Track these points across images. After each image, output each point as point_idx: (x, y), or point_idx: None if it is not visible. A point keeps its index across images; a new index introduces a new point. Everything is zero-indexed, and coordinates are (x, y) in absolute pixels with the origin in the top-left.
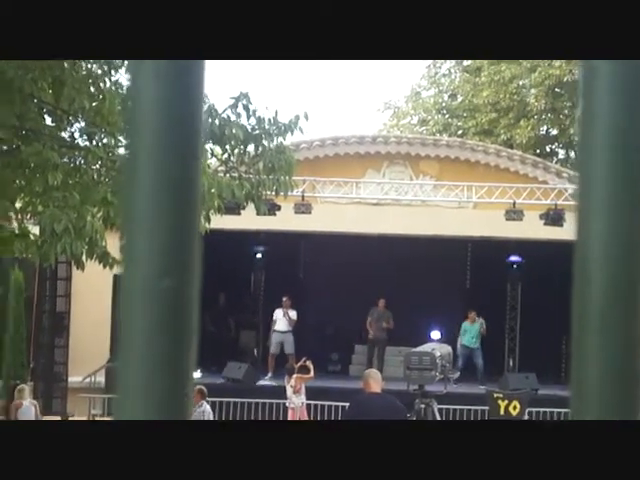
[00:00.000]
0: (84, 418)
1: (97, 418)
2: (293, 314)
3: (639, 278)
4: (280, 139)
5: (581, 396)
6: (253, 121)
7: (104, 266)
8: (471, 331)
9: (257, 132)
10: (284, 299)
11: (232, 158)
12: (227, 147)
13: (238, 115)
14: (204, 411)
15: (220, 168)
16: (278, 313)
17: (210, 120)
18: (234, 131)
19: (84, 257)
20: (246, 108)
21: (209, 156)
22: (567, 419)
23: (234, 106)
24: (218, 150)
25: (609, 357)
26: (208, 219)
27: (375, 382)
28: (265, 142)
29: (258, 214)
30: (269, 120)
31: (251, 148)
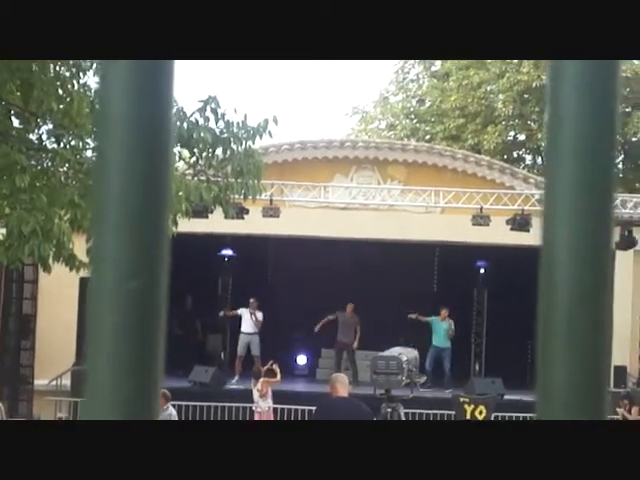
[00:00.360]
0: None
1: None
2: (259, 315)
3: (604, 282)
4: (249, 143)
5: (547, 399)
6: (222, 124)
7: (71, 269)
8: (439, 329)
9: (225, 135)
10: (251, 300)
11: (200, 161)
12: (195, 150)
13: (206, 118)
14: (170, 414)
15: (188, 171)
16: (243, 312)
17: (178, 123)
18: (202, 134)
19: (51, 260)
20: (214, 111)
21: (177, 159)
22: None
23: (202, 109)
24: (186, 153)
25: (575, 360)
26: (175, 223)
27: (342, 386)
28: (234, 146)
29: (226, 217)
30: (238, 124)
31: (219, 151)
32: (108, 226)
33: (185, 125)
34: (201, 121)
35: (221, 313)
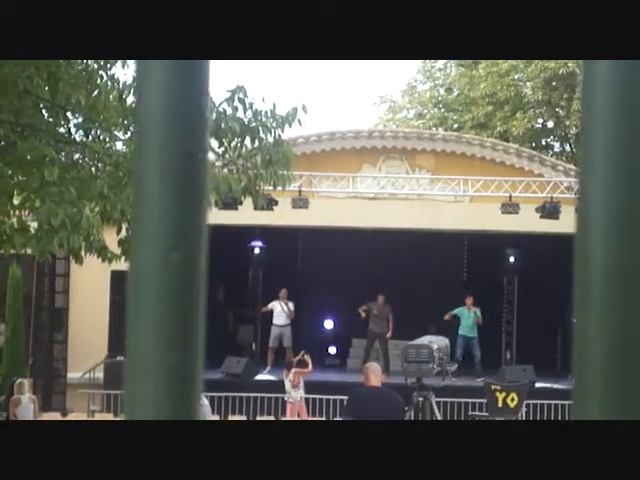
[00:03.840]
0: (83, 414)
1: (96, 414)
2: (291, 305)
3: (638, 263)
4: (278, 132)
5: (584, 382)
6: (250, 114)
7: (102, 260)
8: (467, 318)
9: (254, 125)
10: (282, 291)
11: (229, 151)
12: (224, 140)
13: (235, 108)
14: (202, 404)
15: (217, 162)
16: (275, 305)
17: None
18: (230, 124)
19: (83, 251)
20: (242, 101)
21: None
22: (566, 419)
23: (231, 99)
24: (215, 143)
25: (611, 340)
26: None
27: (375, 376)
28: (262, 135)
29: (256, 209)
30: (266, 113)
31: (248, 141)
32: (147, 204)
33: (213, 115)
34: (229, 111)
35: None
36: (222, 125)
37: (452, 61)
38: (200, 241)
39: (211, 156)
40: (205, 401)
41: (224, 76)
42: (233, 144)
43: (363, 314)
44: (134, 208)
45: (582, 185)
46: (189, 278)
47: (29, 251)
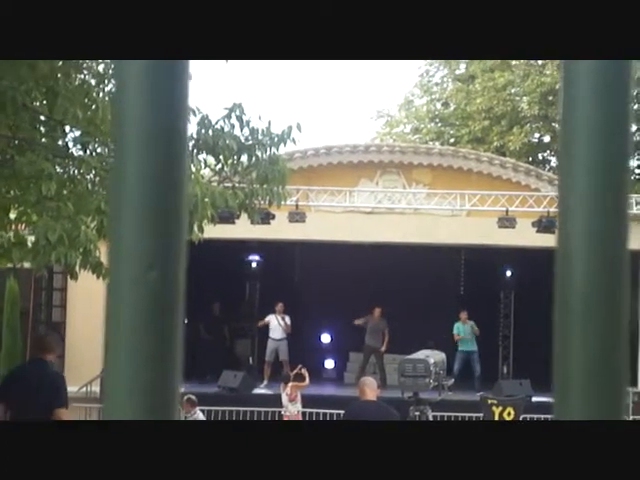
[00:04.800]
0: None
1: None
2: (287, 319)
3: (620, 281)
4: (273, 150)
5: (565, 391)
6: (247, 132)
7: (98, 276)
8: (465, 332)
9: (250, 143)
10: (278, 305)
11: (225, 168)
12: (220, 157)
13: (232, 126)
14: (198, 418)
15: (214, 178)
16: (271, 318)
17: (203, 131)
18: (227, 142)
19: (78, 267)
20: (239, 119)
21: (202, 166)
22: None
23: (228, 117)
24: (212, 160)
25: (591, 352)
26: (201, 229)
27: (370, 390)
28: (258, 152)
29: (252, 224)
30: (262, 131)
31: (244, 159)
32: (125, 217)
33: (210, 132)
34: (226, 128)
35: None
36: (219, 142)
37: (449, 76)
38: (179, 257)
39: (208, 172)
40: (200, 414)
41: (221, 91)
42: (230, 161)
43: (360, 322)
44: (111, 221)
45: (562, 195)
46: (167, 295)
47: (26, 265)
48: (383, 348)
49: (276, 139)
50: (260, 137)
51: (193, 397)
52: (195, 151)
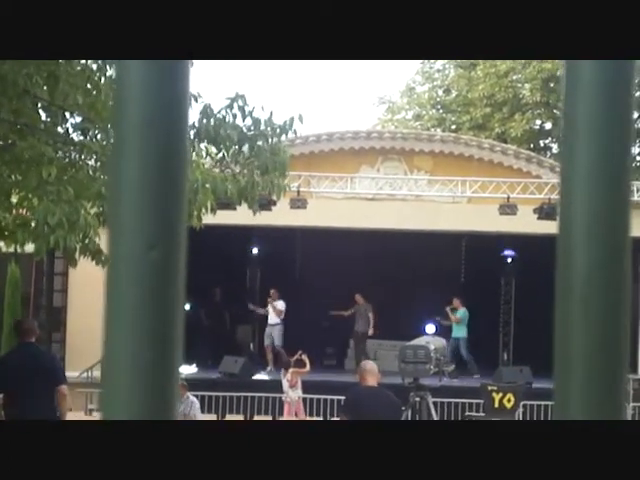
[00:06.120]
0: (81, 413)
1: (94, 413)
2: (279, 304)
3: (621, 268)
4: (275, 140)
5: (566, 378)
6: (249, 121)
7: (97, 263)
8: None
9: (252, 133)
10: (271, 292)
11: (227, 158)
12: (222, 147)
13: (234, 116)
14: (192, 402)
15: (215, 168)
16: (269, 306)
17: (205, 120)
18: (229, 132)
19: (77, 254)
20: (241, 109)
21: (204, 155)
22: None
23: (230, 107)
24: (213, 150)
25: (592, 338)
26: (199, 218)
27: (371, 375)
28: (260, 143)
29: (253, 215)
30: (264, 121)
31: (246, 149)
32: (125, 197)
33: (212, 122)
34: (228, 118)
35: (251, 306)
36: (221, 132)
37: (450, 62)
38: (179, 238)
39: (208, 162)
40: (194, 399)
41: (224, 79)
42: (231, 151)
43: (348, 313)
44: (111, 205)
45: (564, 184)
46: (168, 275)
47: (28, 250)
48: (370, 332)
49: (278, 130)
50: (262, 127)
51: (185, 382)
52: (197, 139)
